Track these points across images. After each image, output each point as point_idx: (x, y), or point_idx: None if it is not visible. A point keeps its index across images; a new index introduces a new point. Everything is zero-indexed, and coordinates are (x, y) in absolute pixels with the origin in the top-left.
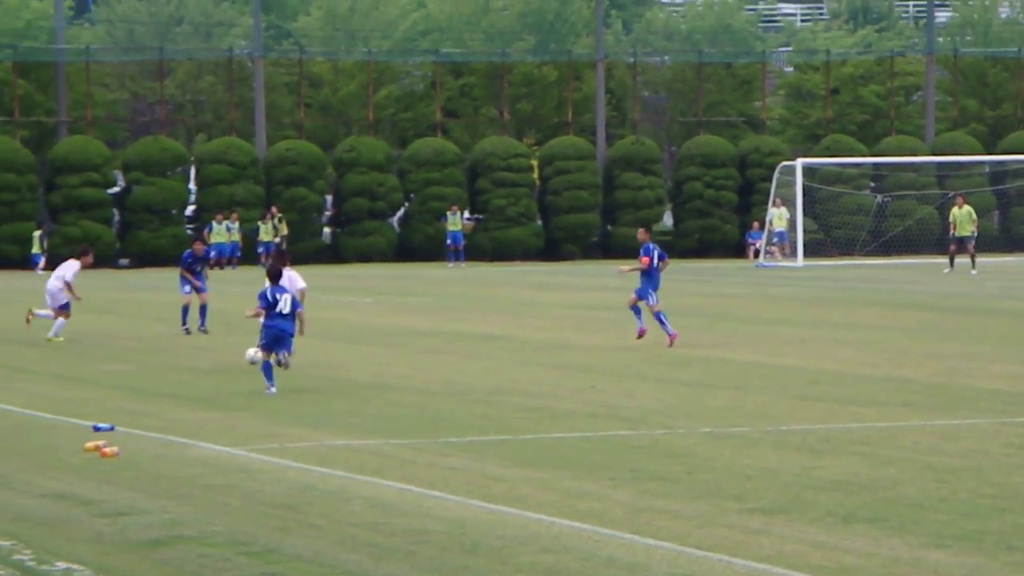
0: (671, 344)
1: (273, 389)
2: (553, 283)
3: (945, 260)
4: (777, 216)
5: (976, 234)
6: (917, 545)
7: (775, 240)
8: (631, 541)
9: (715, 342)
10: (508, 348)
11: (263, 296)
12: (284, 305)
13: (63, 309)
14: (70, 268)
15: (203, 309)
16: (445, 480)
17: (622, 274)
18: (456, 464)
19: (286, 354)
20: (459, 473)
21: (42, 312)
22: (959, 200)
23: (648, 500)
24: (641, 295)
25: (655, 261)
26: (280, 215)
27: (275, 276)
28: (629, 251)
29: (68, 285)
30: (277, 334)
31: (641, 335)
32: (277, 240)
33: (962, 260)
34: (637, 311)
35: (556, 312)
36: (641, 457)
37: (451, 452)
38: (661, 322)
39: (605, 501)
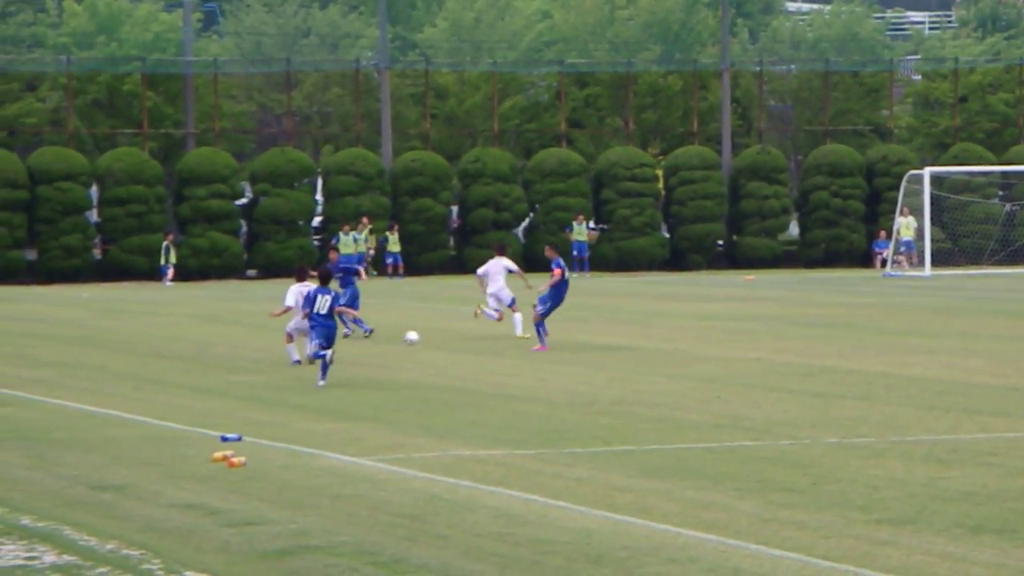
0: (534, 351)
1: (323, 383)
2: (678, 293)
3: None
4: (904, 225)
5: None
6: None
7: (902, 249)
8: (757, 552)
9: (841, 352)
10: (633, 359)
11: (308, 298)
12: (322, 306)
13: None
14: None
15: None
16: (570, 490)
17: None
18: (581, 474)
19: (332, 351)
20: (584, 483)
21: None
22: None
23: (774, 511)
24: (540, 301)
25: (565, 275)
26: (370, 226)
27: (324, 279)
28: (755, 261)
29: None
30: (328, 332)
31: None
32: (366, 251)
33: None
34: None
35: (681, 323)
36: (766, 467)
37: (576, 462)
38: (539, 331)
39: (731, 512)
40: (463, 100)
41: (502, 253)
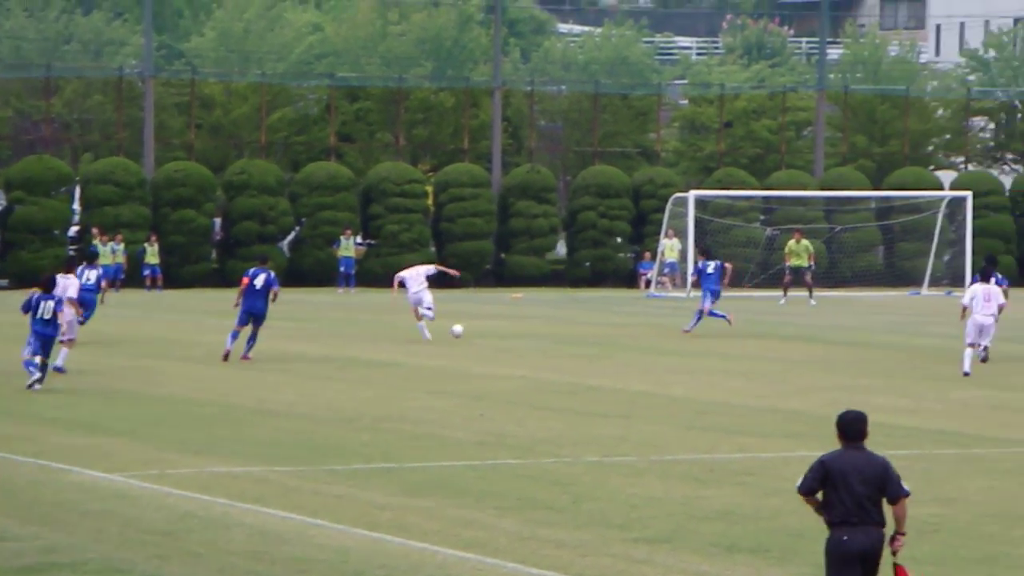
0: (227, 359)
1: (38, 385)
2: (445, 310)
3: (800, 293)
4: (669, 247)
5: (813, 266)
6: (797, 575)
7: (666, 271)
8: (515, 570)
9: (605, 371)
10: (398, 375)
11: (29, 303)
12: (46, 311)
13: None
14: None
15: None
16: (329, 508)
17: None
18: (341, 492)
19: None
20: (344, 501)
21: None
22: (797, 235)
23: (533, 528)
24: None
25: (254, 283)
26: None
27: (47, 286)
28: (523, 279)
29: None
30: (46, 340)
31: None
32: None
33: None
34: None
35: (448, 340)
36: (528, 486)
37: (336, 480)
38: (241, 339)
39: (491, 530)
40: (230, 111)
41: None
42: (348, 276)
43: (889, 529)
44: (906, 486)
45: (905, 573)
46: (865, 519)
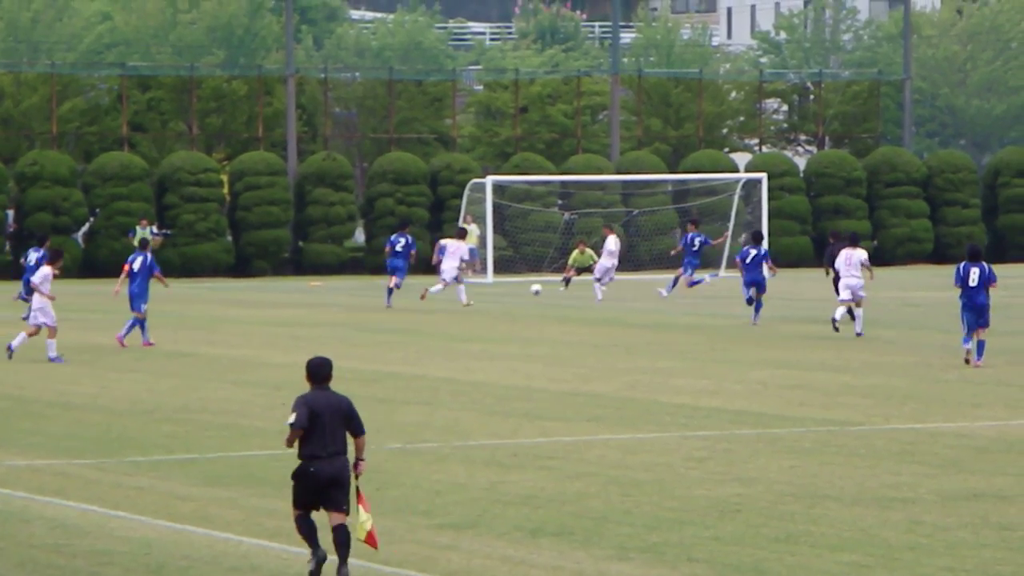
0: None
1: None
2: (244, 299)
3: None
4: (469, 233)
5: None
6: (602, 558)
7: (466, 257)
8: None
9: (406, 358)
10: (198, 365)
11: None
12: None
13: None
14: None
15: None
16: (130, 500)
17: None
18: (142, 484)
19: None
20: (145, 493)
21: None
22: (580, 245)
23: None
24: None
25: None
26: None
27: None
28: (321, 267)
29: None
30: None
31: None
32: None
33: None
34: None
35: (247, 329)
36: None
37: (137, 471)
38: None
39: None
40: (19, 101)
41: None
42: None
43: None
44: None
45: (362, 496)
46: (333, 450)
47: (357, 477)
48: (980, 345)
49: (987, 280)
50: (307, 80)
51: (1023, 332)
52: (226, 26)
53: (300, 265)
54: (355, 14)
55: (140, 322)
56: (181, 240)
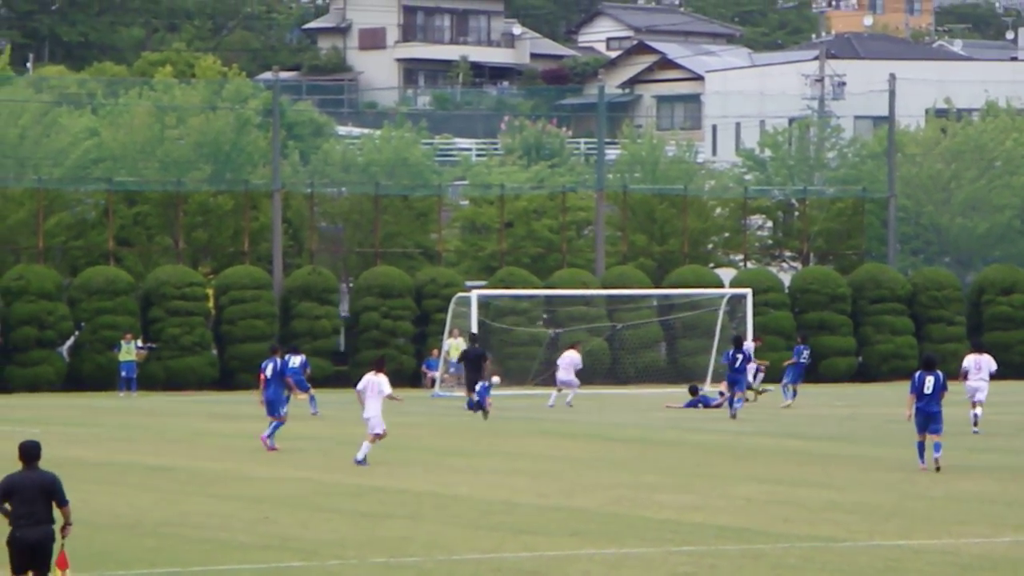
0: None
1: None
2: (227, 412)
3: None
4: (454, 347)
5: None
6: None
7: (452, 370)
8: None
9: (390, 472)
10: (180, 479)
11: None
12: None
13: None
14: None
15: None
16: None
17: None
18: None
19: None
20: None
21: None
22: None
23: None
24: None
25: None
26: None
27: None
28: (307, 380)
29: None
30: None
31: None
32: None
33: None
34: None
35: (230, 442)
36: None
37: None
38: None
39: None
40: (6, 216)
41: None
42: (129, 380)
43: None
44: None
45: (64, 556)
46: (35, 519)
47: (64, 538)
48: (937, 446)
49: (941, 389)
50: (293, 195)
51: (1009, 450)
52: (213, 142)
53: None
54: (342, 130)
55: (279, 425)
56: (166, 354)
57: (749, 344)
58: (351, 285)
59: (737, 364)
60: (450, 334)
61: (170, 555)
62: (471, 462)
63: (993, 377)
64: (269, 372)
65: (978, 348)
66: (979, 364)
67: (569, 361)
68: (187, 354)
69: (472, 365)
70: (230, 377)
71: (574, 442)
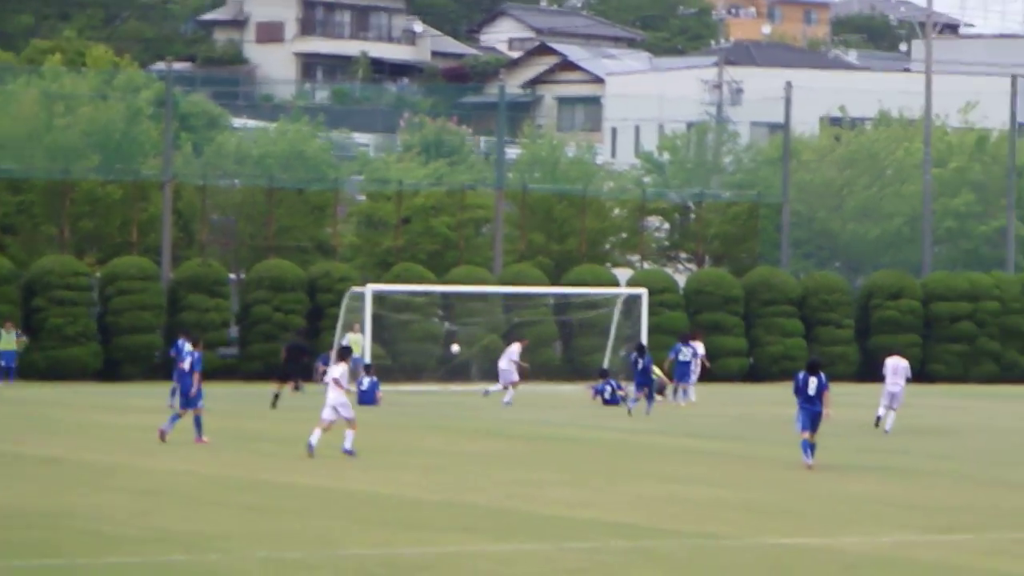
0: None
1: None
2: (112, 404)
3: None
4: (354, 341)
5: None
6: None
7: (352, 365)
8: None
9: (278, 466)
10: (66, 471)
11: None
12: None
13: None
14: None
15: None
16: None
17: None
18: None
19: None
20: None
21: None
22: None
23: None
24: None
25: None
26: None
27: None
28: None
29: None
30: None
31: None
32: None
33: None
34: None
35: (115, 434)
36: None
37: None
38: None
39: None
40: None
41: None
42: (8, 369)
43: None
44: None
45: None
46: None
47: None
48: (812, 447)
49: (822, 389)
50: (185, 186)
51: (894, 450)
52: (103, 131)
53: (170, 371)
54: (237, 122)
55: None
56: (48, 344)
57: (697, 343)
58: (243, 278)
59: (639, 367)
60: (350, 328)
61: (52, 547)
62: (363, 457)
63: (909, 381)
64: (188, 364)
65: (896, 352)
66: (896, 368)
67: (511, 353)
68: (70, 344)
69: (292, 356)
70: (114, 368)
71: (467, 438)
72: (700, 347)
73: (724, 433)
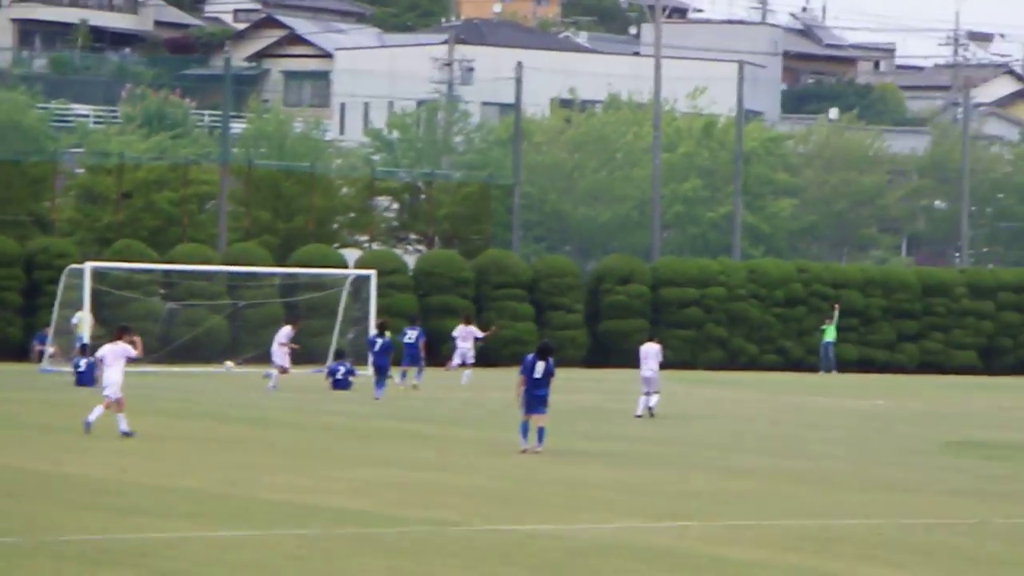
0: None
1: None
2: None
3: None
4: (83, 320)
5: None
6: None
7: (77, 344)
8: None
9: None
10: None
11: None
12: None
13: None
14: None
15: None
16: None
17: None
18: None
19: None
20: None
21: None
22: None
23: None
24: None
25: None
26: None
27: None
28: None
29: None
30: None
31: None
32: None
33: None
34: None
35: None
36: None
37: None
38: None
39: None
40: None
41: None
42: None
43: None
44: None
45: None
46: None
47: None
48: (540, 432)
49: (549, 374)
50: None
51: (622, 437)
52: None
53: None
54: None
55: None
56: None
57: (472, 327)
58: None
59: (377, 347)
60: (72, 306)
61: None
62: (81, 441)
63: (662, 366)
64: None
65: (650, 338)
66: (647, 353)
67: (280, 336)
68: None
69: None
70: None
71: (188, 421)
72: (476, 330)
73: (451, 418)
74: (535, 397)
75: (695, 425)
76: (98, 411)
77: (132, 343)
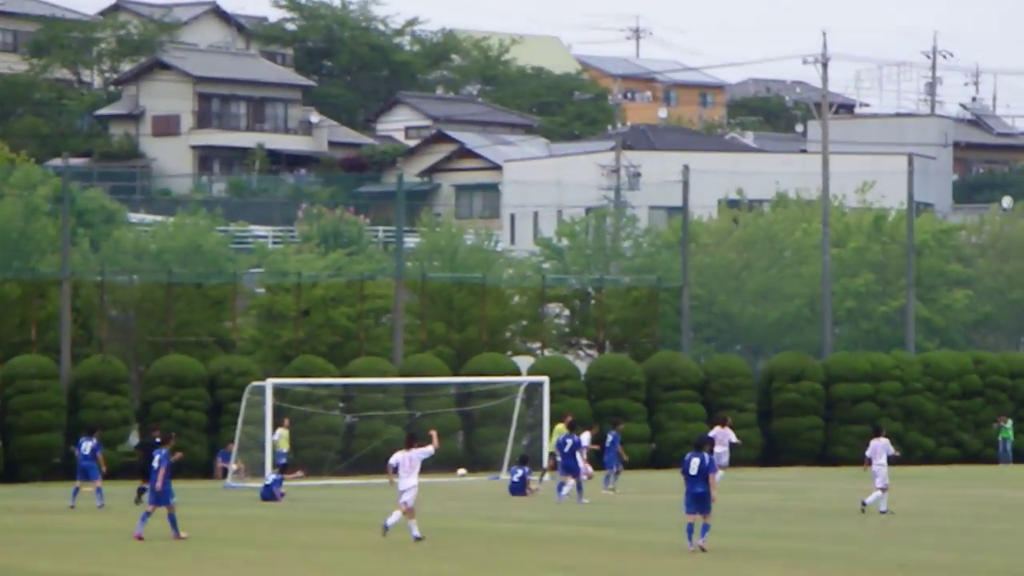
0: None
1: None
2: (12, 506)
3: None
4: (284, 437)
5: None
6: None
7: (281, 460)
8: None
9: (181, 565)
10: None
11: None
12: None
13: None
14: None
15: None
16: None
17: None
18: None
19: None
20: None
21: None
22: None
23: None
24: None
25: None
26: None
27: None
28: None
29: None
30: None
31: None
32: None
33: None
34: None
35: (14, 536)
36: None
37: None
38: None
39: None
40: None
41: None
42: None
43: None
44: None
45: None
46: None
47: None
48: (704, 527)
49: (707, 470)
50: (83, 283)
51: (794, 535)
52: (0, 229)
53: (71, 470)
54: (134, 217)
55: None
56: None
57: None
58: (142, 374)
59: (566, 449)
60: (283, 423)
61: None
62: (263, 554)
63: (891, 462)
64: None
65: (876, 433)
66: (875, 449)
67: (723, 435)
68: None
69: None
70: (15, 469)
71: (369, 532)
72: (731, 434)
73: (624, 520)
74: (694, 496)
75: (872, 521)
76: (395, 516)
77: (427, 439)
